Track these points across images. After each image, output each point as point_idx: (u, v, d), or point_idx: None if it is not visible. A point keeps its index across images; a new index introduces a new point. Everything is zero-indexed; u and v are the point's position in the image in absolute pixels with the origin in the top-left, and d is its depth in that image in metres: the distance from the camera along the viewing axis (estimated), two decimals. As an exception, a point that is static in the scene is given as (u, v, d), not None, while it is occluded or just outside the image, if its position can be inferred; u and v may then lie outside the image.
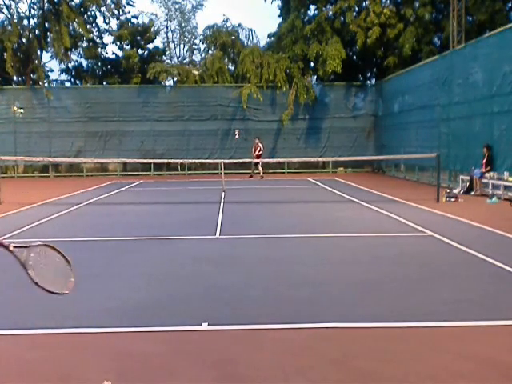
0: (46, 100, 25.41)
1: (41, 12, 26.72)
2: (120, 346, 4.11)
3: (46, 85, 27.50)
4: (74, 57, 29.04)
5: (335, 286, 5.68)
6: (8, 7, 26.62)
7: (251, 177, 22.50)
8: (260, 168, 22.29)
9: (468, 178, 15.13)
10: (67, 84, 29.91)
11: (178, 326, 4.49)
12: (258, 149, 22.59)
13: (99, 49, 28.96)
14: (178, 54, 31.18)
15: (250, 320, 4.58)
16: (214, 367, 3.66)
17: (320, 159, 24.67)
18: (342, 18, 25.52)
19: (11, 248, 2.44)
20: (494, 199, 12.99)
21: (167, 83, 27.21)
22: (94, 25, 28.55)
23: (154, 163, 24.21)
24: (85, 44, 28.42)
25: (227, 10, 52.82)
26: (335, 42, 24.15)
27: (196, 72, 25.71)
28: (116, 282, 5.99)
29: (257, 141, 22.88)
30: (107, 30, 28.86)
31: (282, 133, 25.51)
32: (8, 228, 9.57)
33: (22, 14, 26.82)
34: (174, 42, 31.24)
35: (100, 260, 7.20)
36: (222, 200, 13.95)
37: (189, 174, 25.75)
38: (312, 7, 27.22)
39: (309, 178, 21.63)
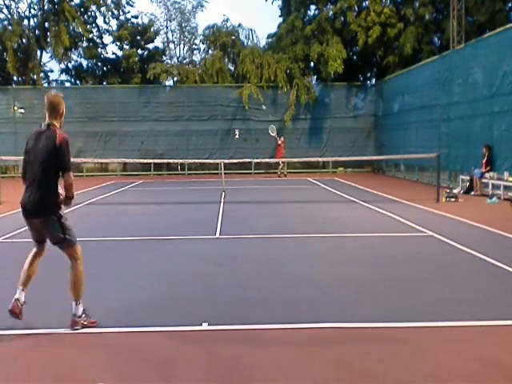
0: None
1: (41, 12, 26.71)
2: (120, 345, 4.11)
3: (46, 85, 27.47)
4: (74, 57, 29.07)
5: (335, 286, 5.68)
6: (8, 7, 26.63)
7: (280, 176, 23.02)
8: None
9: (468, 177, 15.13)
10: (67, 84, 29.90)
11: (177, 325, 4.49)
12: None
13: (99, 49, 28.94)
14: (177, 54, 31.15)
15: (250, 320, 4.58)
16: (214, 367, 3.66)
17: (320, 159, 24.65)
18: (343, 18, 25.51)
19: None
20: (494, 199, 12.99)
21: (167, 83, 27.20)
22: (93, 25, 28.54)
23: (154, 163, 24.18)
24: (85, 44, 28.40)
25: (227, 10, 52.83)
26: (336, 43, 24.14)
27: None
28: (116, 282, 5.99)
29: (282, 139, 23.51)
30: (107, 30, 28.85)
31: (282, 133, 25.49)
32: (8, 228, 9.57)
33: (21, 14, 26.82)
34: (173, 42, 31.21)
35: (99, 260, 7.20)
36: (222, 200, 13.95)
37: (189, 174, 25.75)
38: (312, 7, 27.23)
39: (309, 178, 21.63)
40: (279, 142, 23.22)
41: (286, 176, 23.17)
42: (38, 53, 27.14)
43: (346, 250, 7.72)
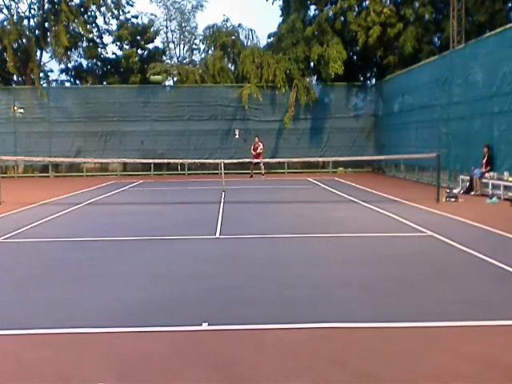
0: (46, 100, 25.42)
1: (40, 12, 26.70)
2: (120, 346, 4.11)
3: (45, 85, 27.48)
4: (74, 57, 29.08)
5: (335, 286, 5.68)
6: (8, 7, 26.62)
7: (251, 176, 22.50)
8: (262, 166, 22.36)
9: (468, 178, 15.13)
10: (67, 84, 29.90)
11: (178, 326, 4.49)
12: (259, 148, 22.63)
13: (99, 49, 28.95)
14: (177, 54, 31.14)
15: (249, 320, 4.58)
16: (214, 367, 3.66)
17: (320, 159, 24.67)
18: (343, 18, 25.49)
19: None
20: (494, 199, 12.99)
21: (167, 83, 27.21)
22: (93, 25, 28.54)
23: (154, 163, 24.21)
24: (85, 44, 28.41)
25: (227, 10, 52.81)
26: (336, 44, 24.10)
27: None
28: (116, 282, 5.99)
29: (256, 139, 22.93)
30: (107, 30, 28.86)
31: (282, 133, 25.52)
32: (8, 228, 9.57)
33: (21, 14, 26.80)
34: (173, 42, 31.18)
35: (100, 260, 7.20)
36: (222, 200, 13.95)
37: (189, 174, 25.75)
38: (312, 7, 27.21)
39: (309, 178, 21.63)
40: (260, 151, 22.73)
41: (252, 177, 22.54)
42: (38, 53, 27.13)
43: (346, 250, 7.72)
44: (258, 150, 22.59)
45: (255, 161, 21.54)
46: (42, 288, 5.77)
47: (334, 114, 25.85)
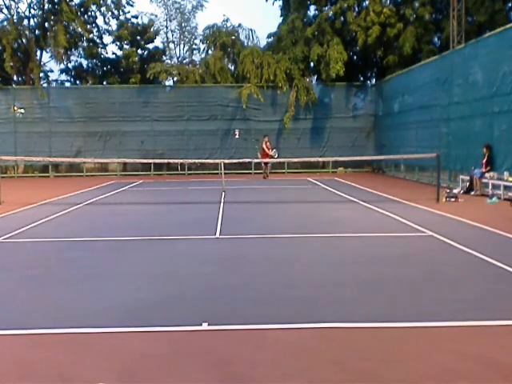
0: (46, 100, 25.42)
1: (40, 12, 26.70)
2: (120, 346, 4.11)
3: (45, 85, 27.48)
4: (73, 57, 29.10)
5: (335, 286, 5.68)
6: (8, 7, 26.62)
7: (267, 176, 22.33)
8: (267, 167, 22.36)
9: (468, 178, 15.13)
10: (67, 84, 29.91)
11: (178, 326, 4.49)
12: (269, 150, 22.36)
13: (99, 49, 28.95)
14: (177, 54, 31.16)
15: (249, 320, 4.58)
16: (214, 367, 3.66)
17: (320, 159, 24.66)
18: (342, 18, 25.49)
19: None
20: (494, 199, 12.99)
21: (167, 83, 27.21)
22: (93, 25, 28.55)
23: (154, 163, 24.21)
24: (85, 44, 28.41)
25: (227, 10, 52.81)
26: (336, 44, 24.08)
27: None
28: (116, 282, 5.99)
29: (267, 138, 22.61)
30: (107, 30, 28.87)
31: (282, 133, 25.51)
32: (8, 228, 9.57)
33: (21, 14, 26.80)
34: (173, 42, 31.20)
35: (100, 260, 7.20)
36: (222, 200, 13.95)
37: (189, 173, 25.75)
38: (312, 7, 27.21)
39: (309, 178, 21.63)
40: (271, 153, 22.63)
41: (267, 177, 22.43)
42: (38, 53, 27.13)
43: (346, 250, 7.72)
44: (270, 153, 22.37)
45: (265, 160, 21.32)
46: (41, 288, 5.77)
47: (334, 114, 25.85)
